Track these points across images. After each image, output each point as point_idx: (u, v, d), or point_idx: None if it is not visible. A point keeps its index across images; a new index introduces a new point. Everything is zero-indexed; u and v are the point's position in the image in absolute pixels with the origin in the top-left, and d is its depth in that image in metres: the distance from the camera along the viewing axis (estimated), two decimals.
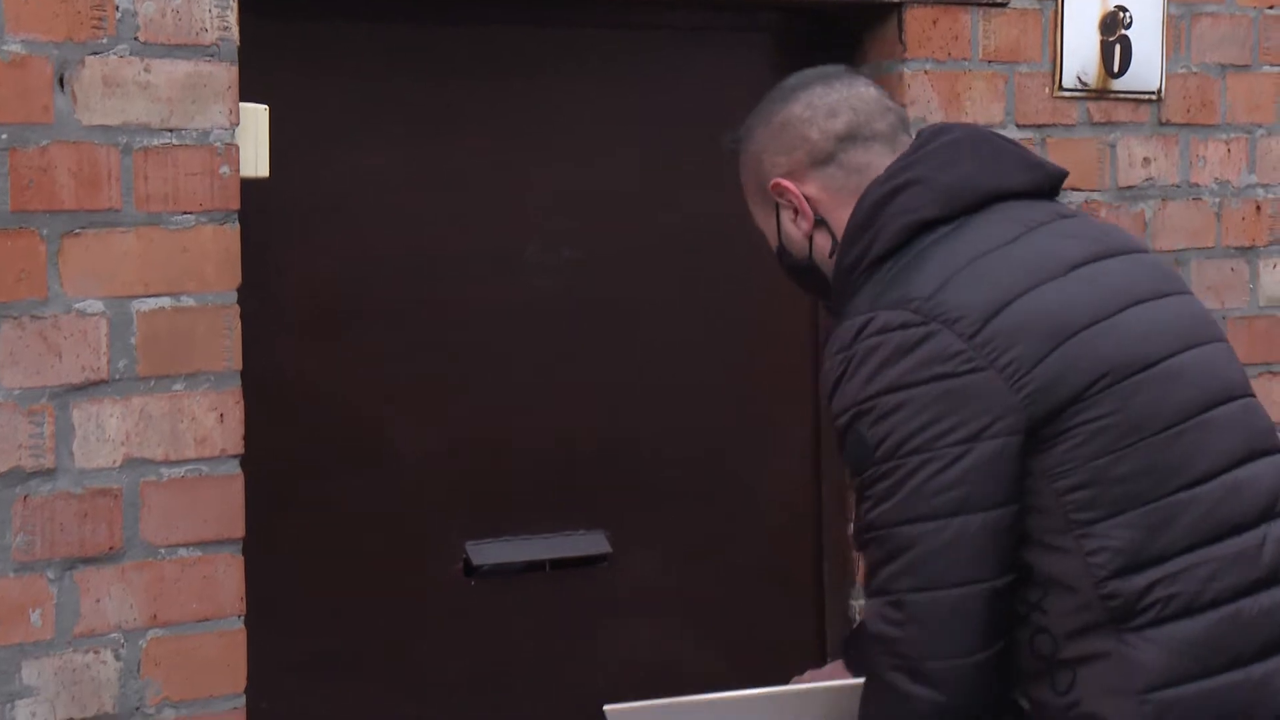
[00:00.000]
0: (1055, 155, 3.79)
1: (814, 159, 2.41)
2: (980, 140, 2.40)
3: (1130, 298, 2.31)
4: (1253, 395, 2.36)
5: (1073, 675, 2.21)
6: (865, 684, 2.26)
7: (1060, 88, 3.77)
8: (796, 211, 2.43)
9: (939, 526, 2.19)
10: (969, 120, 3.68)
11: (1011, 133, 3.73)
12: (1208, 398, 2.29)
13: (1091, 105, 3.79)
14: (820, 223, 2.42)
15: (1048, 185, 2.42)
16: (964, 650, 2.19)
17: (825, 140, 2.40)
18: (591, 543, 3.41)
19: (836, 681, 2.31)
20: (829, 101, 2.41)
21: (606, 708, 2.28)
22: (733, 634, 3.56)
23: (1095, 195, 3.81)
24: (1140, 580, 2.20)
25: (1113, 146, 3.83)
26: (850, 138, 2.40)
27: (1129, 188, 3.84)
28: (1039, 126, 3.77)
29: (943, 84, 3.67)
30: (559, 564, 3.38)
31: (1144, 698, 2.19)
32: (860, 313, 2.26)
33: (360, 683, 3.27)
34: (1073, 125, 3.81)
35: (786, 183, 2.42)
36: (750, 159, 2.46)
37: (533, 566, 3.35)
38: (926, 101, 3.65)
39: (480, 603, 3.35)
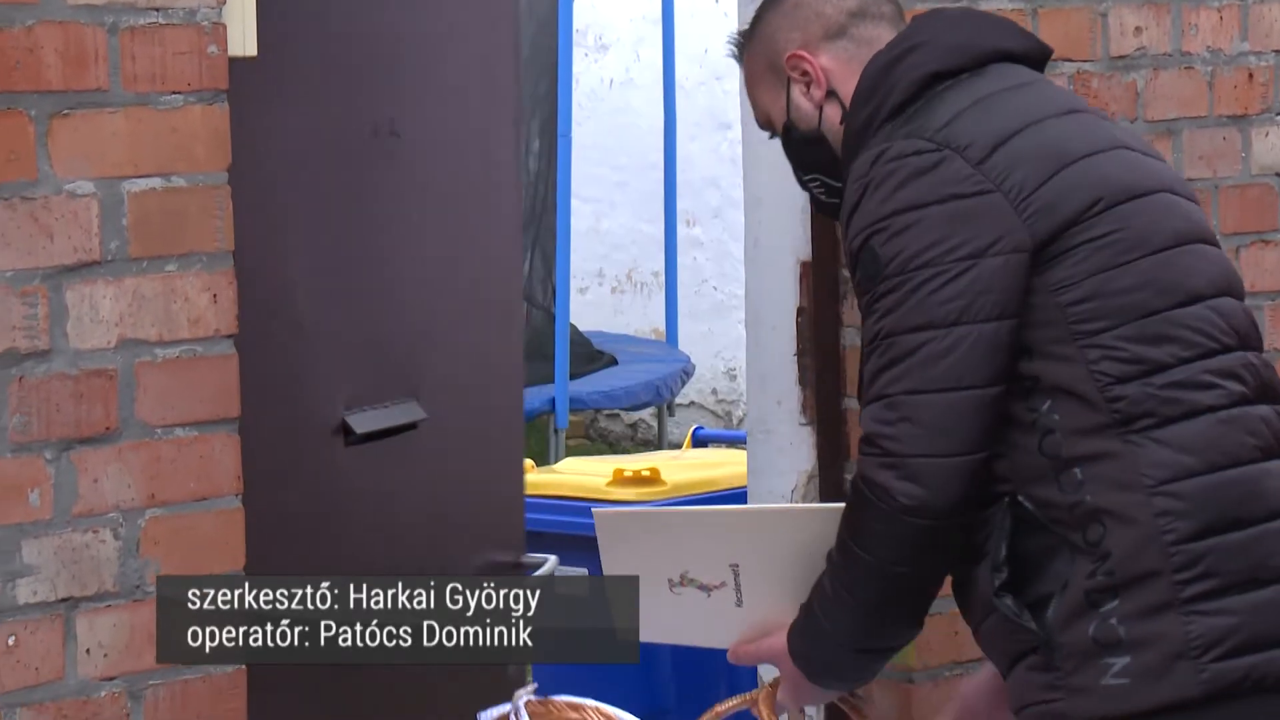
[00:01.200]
0: (1046, 25, 3.77)
1: (827, 32, 2.59)
2: (976, 13, 2.69)
3: (1119, 143, 2.51)
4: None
5: (1080, 474, 2.36)
6: (850, 487, 2.40)
7: None
8: (809, 84, 2.60)
9: (940, 335, 2.35)
10: None
11: (1002, 3, 3.71)
12: (1197, 231, 2.47)
13: None
14: (831, 94, 2.58)
15: (1038, 53, 2.61)
16: (950, 450, 2.34)
17: (838, 14, 2.59)
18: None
19: (825, 505, 2.43)
20: None
21: (595, 510, 2.54)
22: None
23: (1086, 66, 3.80)
24: (1145, 386, 2.35)
25: (1104, 16, 3.81)
26: (860, 14, 2.60)
27: (1120, 57, 3.83)
28: None
29: None
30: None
31: (1152, 490, 2.33)
32: None
33: None
34: None
35: (802, 52, 2.58)
36: (761, 41, 2.63)
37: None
38: None
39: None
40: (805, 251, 3.68)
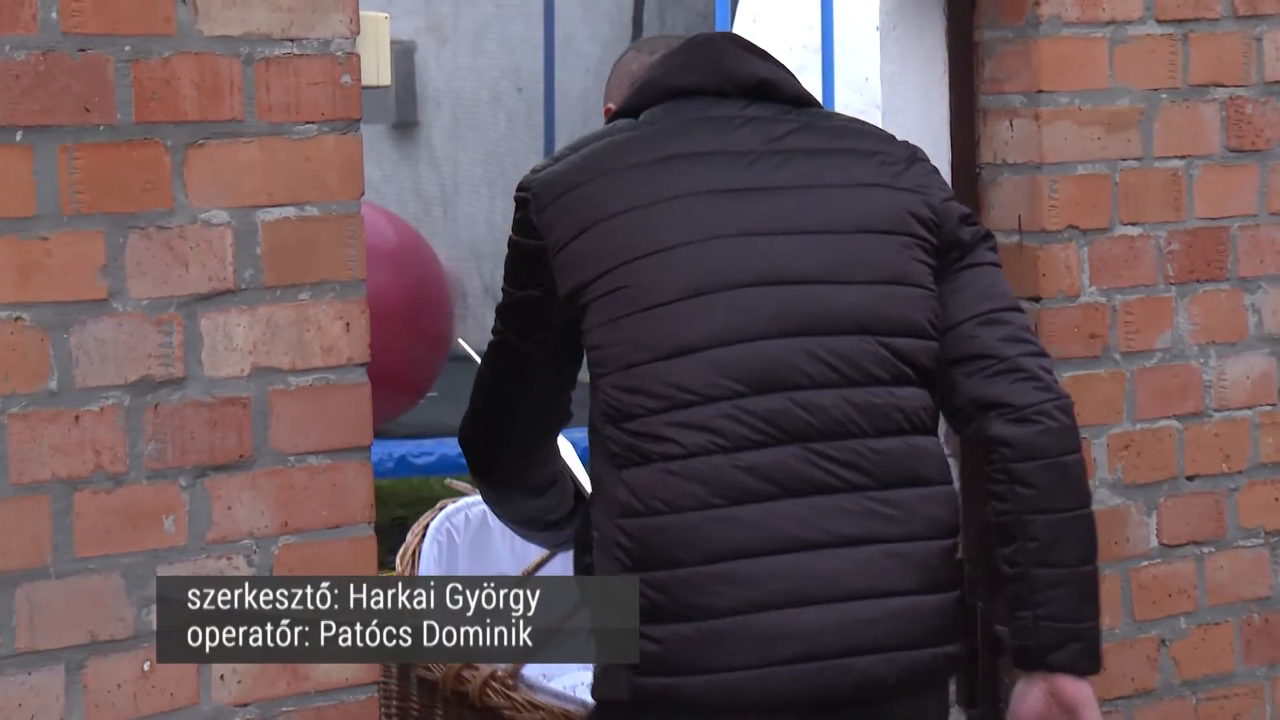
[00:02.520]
0: (1197, 50, 3.70)
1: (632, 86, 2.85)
2: (708, 42, 2.82)
3: (700, 190, 2.69)
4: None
5: (591, 499, 2.76)
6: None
7: None
8: None
9: (494, 333, 2.87)
10: (1106, 19, 3.61)
11: (1151, 29, 3.64)
12: (740, 278, 2.64)
13: None
14: None
15: (730, 88, 2.77)
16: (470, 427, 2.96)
17: (641, 70, 2.86)
18: None
19: None
20: (651, 48, 2.91)
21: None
22: None
23: (1240, 91, 3.72)
24: (621, 430, 2.65)
25: (1259, 40, 3.73)
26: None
27: (1276, 82, 3.74)
28: (1180, 21, 3.68)
29: None
30: None
31: (614, 522, 2.65)
32: None
33: None
34: (1216, 19, 3.71)
35: (610, 105, 2.90)
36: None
37: None
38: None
39: None
40: None
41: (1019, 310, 2.75)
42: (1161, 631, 3.69)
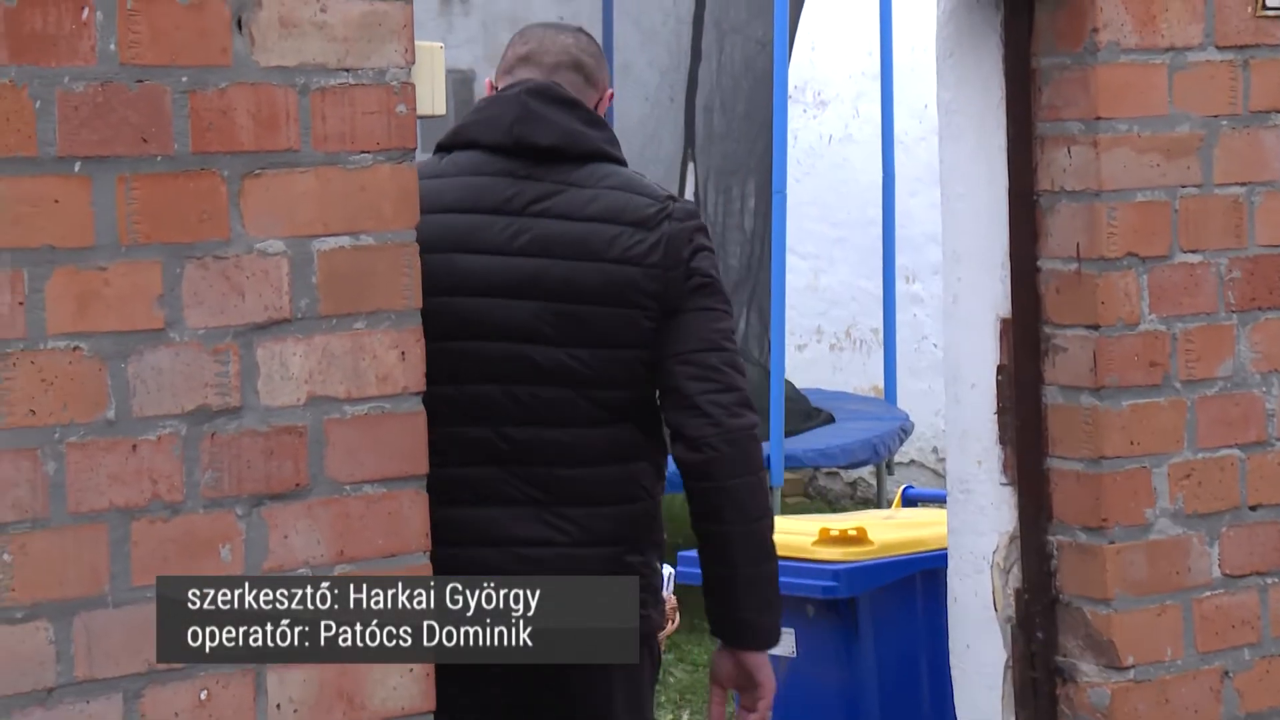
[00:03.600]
0: (1259, 77, 3.67)
1: (504, 69, 3.33)
2: (513, 100, 3.27)
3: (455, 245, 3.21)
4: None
5: None
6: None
7: (1264, 6, 3.64)
8: None
9: None
10: (1165, 45, 3.58)
11: (1211, 55, 3.62)
12: (451, 332, 3.17)
13: None
14: None
15: (516, 149, 3.23)
16: None
17: (514, 58, 3.32)
18: None
19: None
20: (523, 39, 3.34)
21: None
22: None
23: None
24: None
25: None
26: (525, 60, 3.30)
27: None
28: (1240, 48, 3.65)
29: (1137, 6, 3.57)
30: None
31: None
32: None
33: None
34: (1277, 45, 3.68)
35: (489, 80, 3.34)
36: None
37: None
38: (1120, 25, 3.55)
39: None
40: (1005, 308, 3.61)
41: (718, 350, 3.20)
42: (1225, 663, 3.65)
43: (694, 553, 5.26)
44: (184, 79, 2.77)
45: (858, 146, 9.75)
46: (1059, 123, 3.58)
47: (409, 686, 2.89)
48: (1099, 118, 3.54)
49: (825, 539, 4.95)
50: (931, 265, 9.59)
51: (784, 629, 4.59)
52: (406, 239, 2.91)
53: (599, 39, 9.86)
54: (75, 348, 2.71)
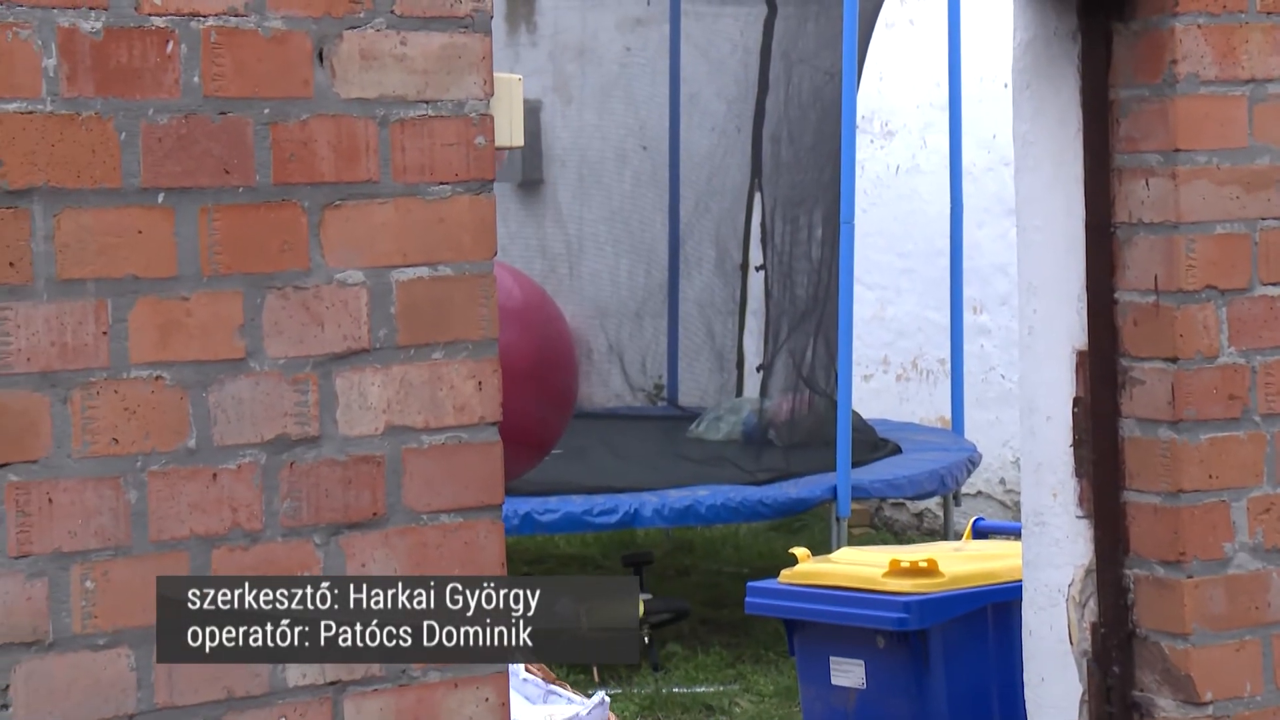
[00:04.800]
0: None
1: None
2: None
3: None
4: None
5: None
6: None
7: None
8: None
9: None
10: (1245, 77, 3.56)
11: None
12: None
13: None
14: None
15: None
16: None
17: None
18: None
19: None
20: None
21: None
22: None
23: None
24: None
25: None
26: None
27: None
28: None
29: (1217, 38, 3.55)
30: None
31: None
32: None
33: None
34: None
35: None
36: None
37: None
38: (1200, 56, 3.54)
39: None
40: (1081, 340, 3.60)
41: None
42: None
43: (764, 583, 5.26)
44: (266, 111, 2.79)
45: (925, 177, 9.73)
46: (1137, 154, 3.56)
47: (485, 716, 2.89)
48: (1178, 149, 3.52)
49: (896, 570, 4.93)
50: (999, 296, 9.56)
51: (853, 660, 4.59)
52: (484, 270, 2.92)
53: (666, 69, 9.89)
54: (157, 377, 2.73)
